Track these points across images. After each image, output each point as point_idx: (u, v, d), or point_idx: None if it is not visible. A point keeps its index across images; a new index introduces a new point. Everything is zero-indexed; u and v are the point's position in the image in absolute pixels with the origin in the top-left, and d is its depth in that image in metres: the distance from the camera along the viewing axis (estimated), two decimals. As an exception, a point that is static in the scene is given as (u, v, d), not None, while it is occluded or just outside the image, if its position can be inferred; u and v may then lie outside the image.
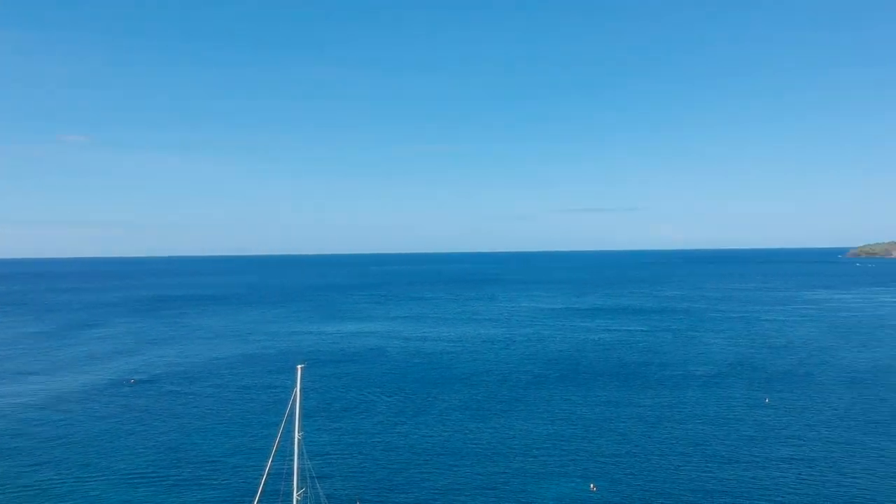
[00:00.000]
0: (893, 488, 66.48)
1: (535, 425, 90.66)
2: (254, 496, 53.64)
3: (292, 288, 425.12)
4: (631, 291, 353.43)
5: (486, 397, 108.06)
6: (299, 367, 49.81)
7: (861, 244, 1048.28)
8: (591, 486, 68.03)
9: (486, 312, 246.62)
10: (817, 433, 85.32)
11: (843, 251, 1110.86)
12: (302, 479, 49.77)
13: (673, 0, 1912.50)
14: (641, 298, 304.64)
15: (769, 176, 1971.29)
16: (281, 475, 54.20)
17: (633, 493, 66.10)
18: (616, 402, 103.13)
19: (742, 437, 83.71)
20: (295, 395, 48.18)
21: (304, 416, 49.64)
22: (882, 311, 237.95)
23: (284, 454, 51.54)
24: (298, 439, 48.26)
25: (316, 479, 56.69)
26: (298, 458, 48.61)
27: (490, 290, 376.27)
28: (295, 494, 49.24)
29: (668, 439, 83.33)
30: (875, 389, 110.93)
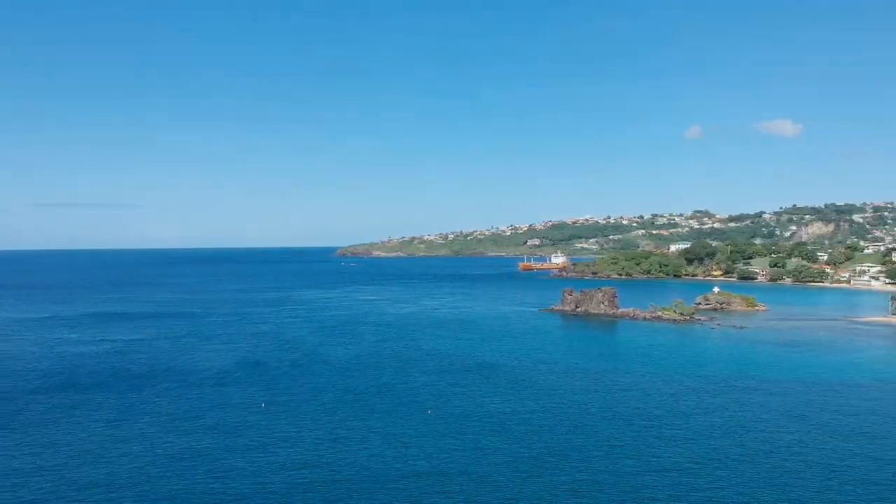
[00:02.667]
0: (379, 458, 74.32)
1: (20, 456, 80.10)
2: None
3: None
4: (124, 296, 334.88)
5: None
6: None
7: (347, 244, 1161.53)
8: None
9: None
10: (312, 427, 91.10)
11: (333, 250, 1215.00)
12: None
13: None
14: (136, 303, 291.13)
15: (275, 176, 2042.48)
16: None
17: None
18: (115, 422, 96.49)
19: (245, 443, 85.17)
20: None
21: None
22: (363, 308, 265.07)
23: None
24: None
25: None
26: None
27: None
28: None
29: (169, 455, 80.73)
30: (360, 382, 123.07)
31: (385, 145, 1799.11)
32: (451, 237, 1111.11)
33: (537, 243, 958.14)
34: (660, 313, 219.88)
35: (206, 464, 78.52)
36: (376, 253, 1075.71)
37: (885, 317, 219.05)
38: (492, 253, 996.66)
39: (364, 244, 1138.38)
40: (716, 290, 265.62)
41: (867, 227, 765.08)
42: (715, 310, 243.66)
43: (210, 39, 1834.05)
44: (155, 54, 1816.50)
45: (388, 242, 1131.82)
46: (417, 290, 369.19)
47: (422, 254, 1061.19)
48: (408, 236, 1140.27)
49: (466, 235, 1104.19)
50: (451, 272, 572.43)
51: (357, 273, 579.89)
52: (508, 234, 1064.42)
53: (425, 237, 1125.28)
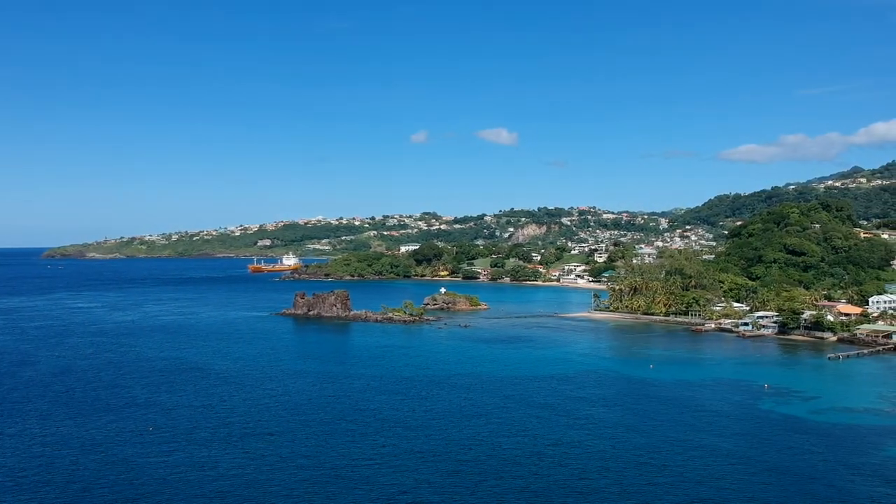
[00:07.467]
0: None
1: None
2: None
3: None
4: None
5: None
6: None
7: (58, 245, 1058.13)
8: None
9: None
10: (13, 453, 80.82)
11: (40, 252, 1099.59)
12: None
13: None
14: None
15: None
16: None
17: None
18: None
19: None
20: None
21: None
22: (76, 317, 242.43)
23: None
24: None
25: None
26: None
27: None
28: None
29: None
30: (73, 397, 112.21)
31: (99, 136, 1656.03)
32: (175, 237, 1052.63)
33: (268, 244, 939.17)
34: (391, 314, 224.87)
35: None
36: (91, 255, 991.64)
37: (587, 312, 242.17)
38: (220, 254, 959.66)
39: (76, 245, 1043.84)
40: (443, 290, 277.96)
41: (574, 229, 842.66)
42: (442, 309, 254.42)
43: None
44: None
45: (104, 243, 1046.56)
46: (138, 295, 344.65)
47: (143, 255, 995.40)
48: (127, 236, 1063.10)
49: (192, 236, 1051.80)
50: (175, 275, 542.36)
51: (68, 277, 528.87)
52: (238, 234, 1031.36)
53: (146, 237, 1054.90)
